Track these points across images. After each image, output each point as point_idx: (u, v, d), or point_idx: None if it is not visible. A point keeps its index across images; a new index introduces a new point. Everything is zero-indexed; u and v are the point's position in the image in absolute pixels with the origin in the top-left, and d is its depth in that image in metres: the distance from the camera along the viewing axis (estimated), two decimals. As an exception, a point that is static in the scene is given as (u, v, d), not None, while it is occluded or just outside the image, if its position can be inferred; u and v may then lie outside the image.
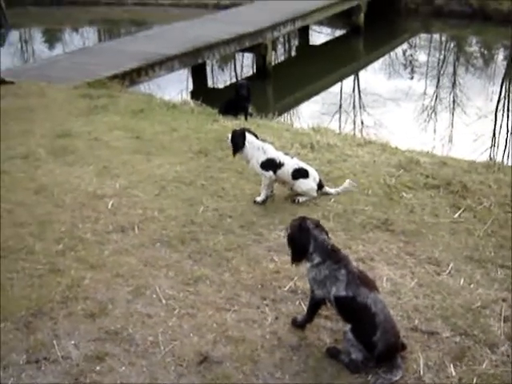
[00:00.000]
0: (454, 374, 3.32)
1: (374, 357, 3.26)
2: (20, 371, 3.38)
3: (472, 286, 4.14)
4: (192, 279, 4.21)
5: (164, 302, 3.95)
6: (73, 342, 3.59)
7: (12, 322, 3.77)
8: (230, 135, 5.42)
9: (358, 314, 3.28)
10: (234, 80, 17.89)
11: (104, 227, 4.96)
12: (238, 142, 5.33)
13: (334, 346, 3.49)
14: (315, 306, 3.59)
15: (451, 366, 3.37)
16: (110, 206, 5.33)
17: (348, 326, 3.32)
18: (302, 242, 3.46)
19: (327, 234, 3.54)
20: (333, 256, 3.40)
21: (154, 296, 4.02)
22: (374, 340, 3.22)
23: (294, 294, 4.03)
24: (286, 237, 3.68)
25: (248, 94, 8.84)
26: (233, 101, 8.96)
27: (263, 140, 5.56)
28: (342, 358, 3.36)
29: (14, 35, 25.39)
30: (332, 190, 5.49)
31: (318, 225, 3.53)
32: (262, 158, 5.28)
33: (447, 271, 4.31)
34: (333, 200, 5.37)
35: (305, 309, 3.73)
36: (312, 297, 3.56)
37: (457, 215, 5.14)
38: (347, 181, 5.51)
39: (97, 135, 7.31)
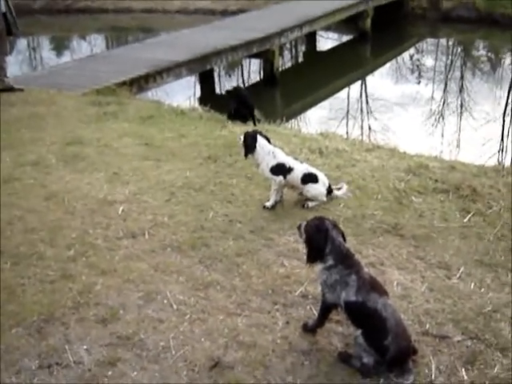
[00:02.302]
0: (465, 378, 3.31)
1: (386, 361, 3.26)
2: (32, 376, 3.40)
3: (483, 290, 4.14)
4: (203, 284, 4.21)
5: (175, 307, 3.96)
6: (85, 347, 3.60)
7: (24, 327, 3.78)
8: (242, 136, 5.43)
9: (369, 319, 3.27)
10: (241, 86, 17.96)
11: (115, 233, 4.98)
12: (249, 144, 5.33)
13: (346, 350, 3.49)
14: (326, 310, 3.59)
15: (463, 370, 3.37)
16: (120, 212, 5.35)
17: (359, 331, 3.31)
18: (320, 242, 3.45)
19: (343, 235, 3.55)
20: (345, 261, 3.41)
21: (165, 301, 4.02)
22: (385, 344, 3.21)
23: (304, 299, 4.03)
24: (300, 236, 3.69)
25: (244, 99, 8.85)
26: (239, 107, 8.92)
27: (274, 145, 5.57)
28: (354, 363, 3.36)
29: (21, 43, 25.52)
30: (340, 193, 5.50)
31: (335, 225, 3.53)
32: (272, 162, 5.29)
33: (458, 275, 4.31)
34: (342, 205, 5.38)
35: (315, 313, 3.73)
36: (323, 301, 3.56)
37: (466, 219, 5.14)
38: (344, 187, 5.55)
39: (106, 142, 7.34)
